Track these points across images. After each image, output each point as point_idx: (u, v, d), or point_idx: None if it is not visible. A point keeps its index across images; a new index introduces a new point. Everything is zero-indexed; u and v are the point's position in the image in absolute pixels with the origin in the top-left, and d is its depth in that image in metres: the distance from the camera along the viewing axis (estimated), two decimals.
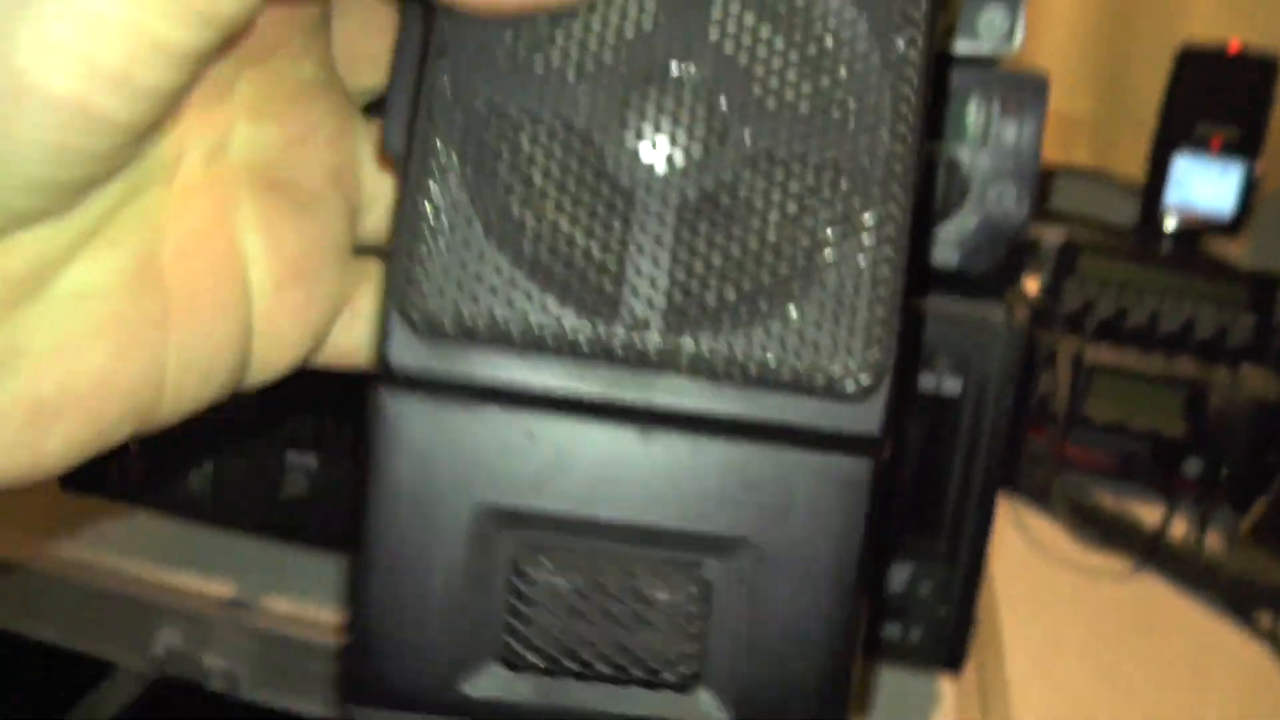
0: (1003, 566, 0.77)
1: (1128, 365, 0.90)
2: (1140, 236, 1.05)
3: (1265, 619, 0.73)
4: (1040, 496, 0.87)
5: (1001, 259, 0.53)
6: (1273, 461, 0.85)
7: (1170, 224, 1.04)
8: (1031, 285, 0.90)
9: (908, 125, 0.25)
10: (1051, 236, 0.93)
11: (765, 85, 0.25)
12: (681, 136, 0.25)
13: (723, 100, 0.25)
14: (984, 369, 0.51)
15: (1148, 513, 0.85)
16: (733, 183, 0.25)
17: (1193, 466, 0.95)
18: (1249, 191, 1.03)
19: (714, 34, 0.25)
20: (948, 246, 0.53)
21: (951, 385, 0.51)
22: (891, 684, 0.60)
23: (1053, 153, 1.32)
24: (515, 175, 0.25)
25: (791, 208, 0.25)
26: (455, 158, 0.25)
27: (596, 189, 0.25)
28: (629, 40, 0.25)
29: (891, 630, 0.53)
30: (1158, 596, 0.77)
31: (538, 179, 0.25)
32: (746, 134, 0.25)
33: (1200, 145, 1.03)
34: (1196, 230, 1.03)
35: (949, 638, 0.53)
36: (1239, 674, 0.68)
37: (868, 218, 0.25)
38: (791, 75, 0.25)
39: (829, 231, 0.25)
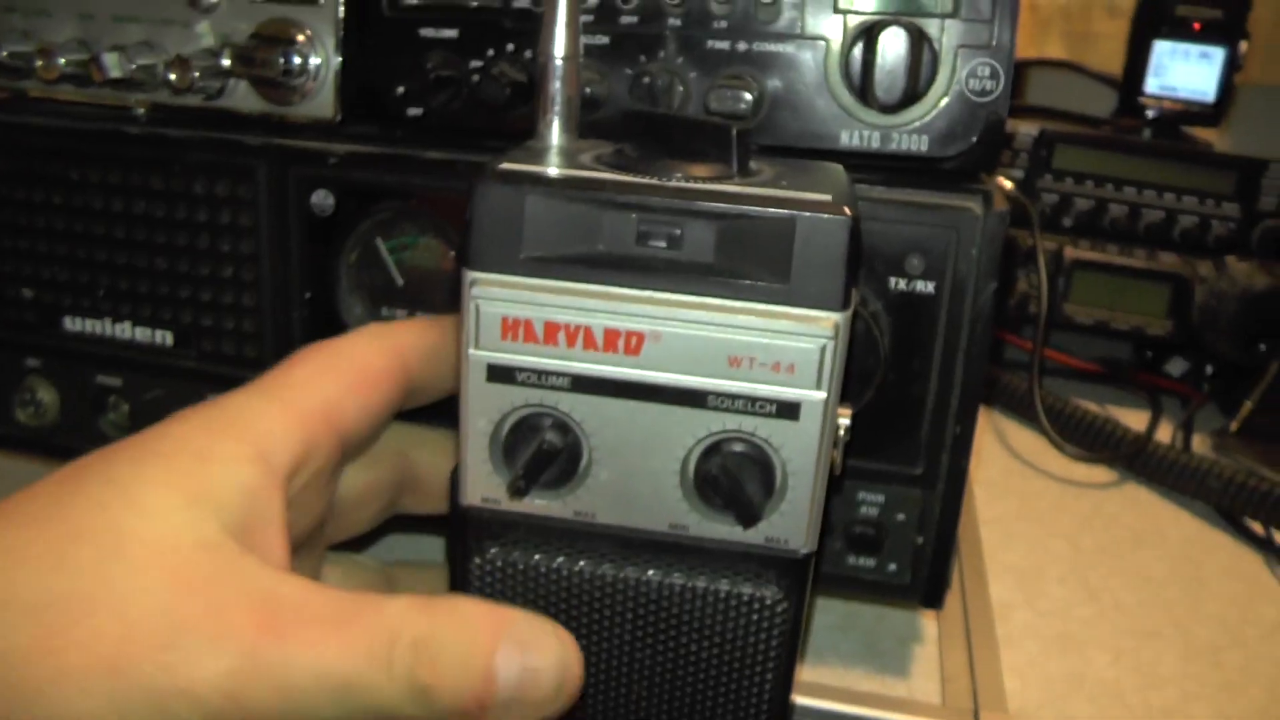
0: (983, 484, 0.73)
1: (1109, 261, 0.86)
2: (1119, 127, 0.99)
3: (1258, 524, 0.70)
4: (1020, 405, 0.83)
5: (977, 143, 0.47)
6: (1261, 356, 0.81)
7: (1150, 112, 0.98)
8: (1006, 181, 0.84)
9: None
10: (1026, 129, 0.87)
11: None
12: None
13: None
14: (961, 264, 0.45)
15: (1132, 417, 0.81)
16: None
17: (1178, 366, 0.91)
18: (1231, 76, 0.97)
19: None
20: (917, 131, 0.47)
21: (925, 284, 0.45)
22: (867, 618, 0.56)
23: (1026, 47, 1.25)
24: None
25: None
26: None
27: None
28: None
29: (864, 563, 0.48)
30: (1145, 506, 0.73)
31: None
32: None
33: (1180, 29, 0.98)
34: (1177, 117, 0.98)
35: (928, 570, 0.48)
36: (1232, 584, 0.64)
37: None
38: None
39: None
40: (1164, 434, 0.80)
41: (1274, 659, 0.57)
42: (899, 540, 0.49)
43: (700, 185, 0.33)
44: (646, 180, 0.33)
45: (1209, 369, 0.89)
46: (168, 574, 0.29)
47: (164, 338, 0.56)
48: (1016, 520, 0.69)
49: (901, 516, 0.48)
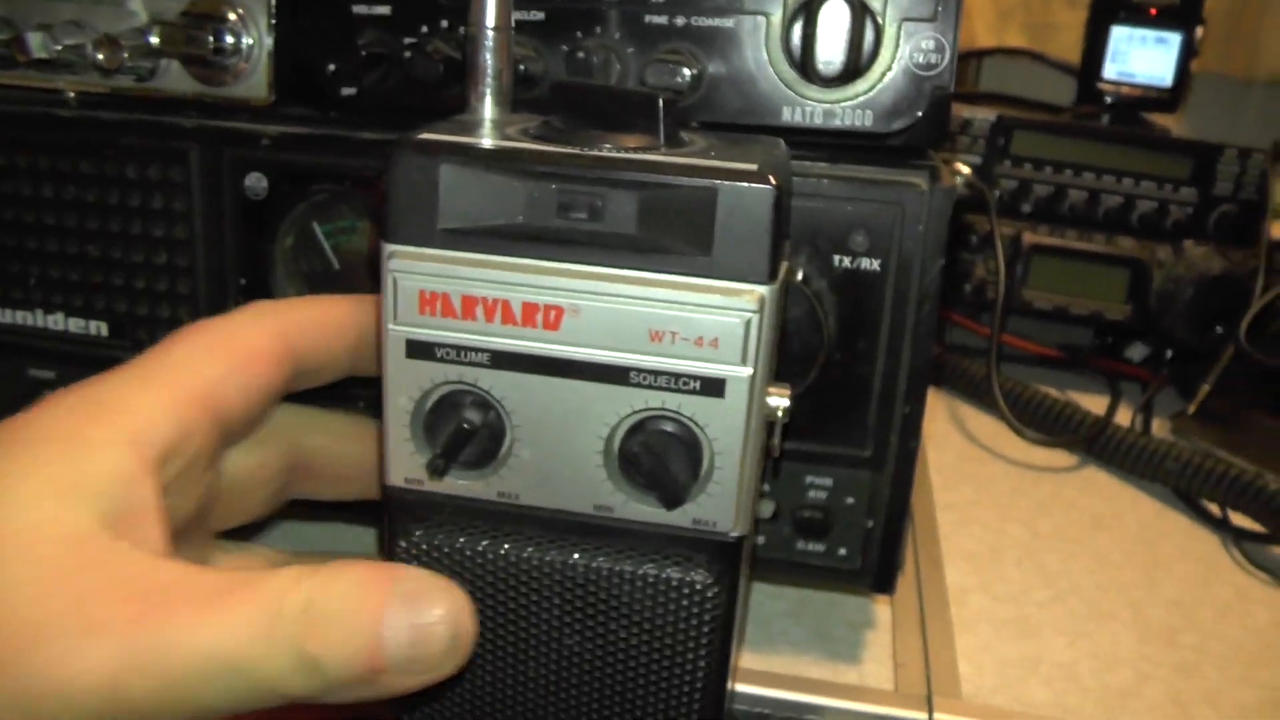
0: (940, 469, 0.72)
1: (1067, 247, 0.85)
2: (1077, 112, 0.99)
3: (1214, 506, 0.69)
4: (978, 391, 0.82)
5: (922, 118, 0.46)
6: (1217, 339, 0.81)
7: (1109, 98, 0.98)
8: (964, 167, 0.84)
9: None
10: (984, 115, 0.87)
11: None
12: None
13: None
14: (907, 241, 0.45)
15: (1091, 402, 0.81)
16: None
17: (1138, 350, 0.91)
18: (1188, 62, 0.98)
19: None
20: (861, 106, 0.46)
21: (871, 261, 0.45)
22: (820, 604, 0.55)
23: (986, 36, 1.25)
24: None
25: None
26: None
27: None
28: None
29: (813, 548, 0.48)
30: (1103, 490, 0.72)
31: None
32: None
33: (1138, 15, 0.98)
34: (1135, 103, 0.98)
35: (878, 555, 0.47)
36: (1189, 565, 0.64)
37: None
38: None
39: None
40: (1123, 418, 0.80)
41: (1228, 639, 0.57)
42: (848, 524, 0.48)
43: (621, 155, 0.32)
44: (566, 150, 0.32)
45: (1168, 353, 0.89)
46: (35, 567, 0.28)
47: (98, 328, 0.54)
48: (974, 505, 0.68)
49: (850, 500, 0.48)
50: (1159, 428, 0.80)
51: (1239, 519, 0.68)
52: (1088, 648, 0.55)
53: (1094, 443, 0.75)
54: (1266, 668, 0.54)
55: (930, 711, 0.48)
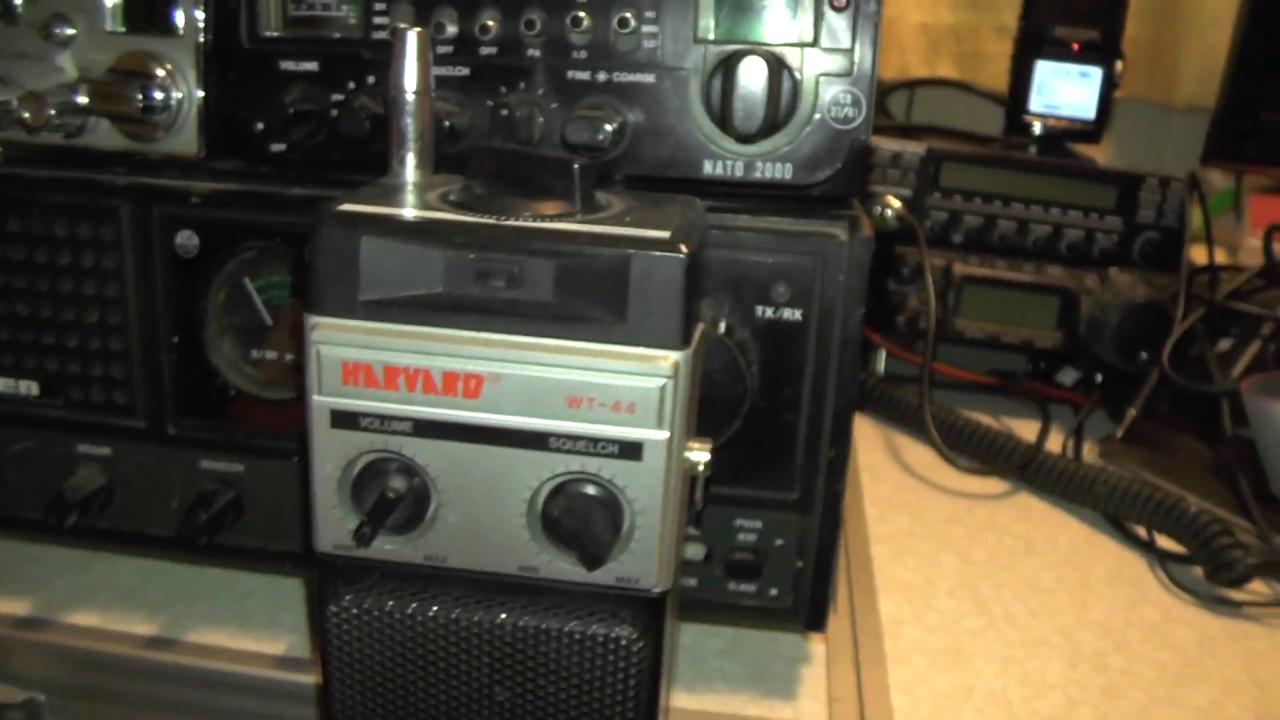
0: (875, 501, 0.74)
1: (998, 276, 0.87)
2: (1005, 144, 1.02)
3: (1141, 529, 0.71)
4: (913, 420, 0.84)
5: (842, 169, 0.48)
6: (1143, 364, 0.83)
7: (1036, 129, 1.01)
8: (894, 200, 0.85)
9: None
10: (913, 149, 0.89)
11: None
12: None
13: None
14: (828, 290, 0.46)
15: (1024, 426, 0.83)
16: None
17: (1070, 375, 0.94)
18: (1109, 94, 1.01)
19: None
20: (780, 159, 0.48)
21: (793, 311, 0.46)
22: (756, 641, 0.56)
23: (917, 67, 1.28)
24: None
25: None
26: None
27: None
28: None
29: (745, 589, 0.49)
30: (1036, 516, 0.74)
31: None
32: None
33: (1060, 50, 1.01)
34: (1061, 134, 1.01)
35: (810, 593, 0.48)
36: (1117, 588, 0.66)
37: None
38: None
39: None
40: (1055, 441, 0.82)
41: (1153, 660, 0.58)
42: (779, 565, 0.49)
43: (538, 224, 0.33)
44: (484, 220, 0.33)
45: (1098, 377, 0.91)
46: None
47: (29, 388, 0.54)
48: (908, 536, 0.69)
49: (780, 541, 0.49)
50: (1089, 451, 0.82)
51: (1164, 541, 0.70)
52: (1018, 674, 0.56)
53: (1026, 469, 0.77)
54: (1188, 686, 0.56)
55: None
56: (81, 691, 0.54)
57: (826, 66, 0.47)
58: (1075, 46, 0.99)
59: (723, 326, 0.45)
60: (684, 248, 0.32)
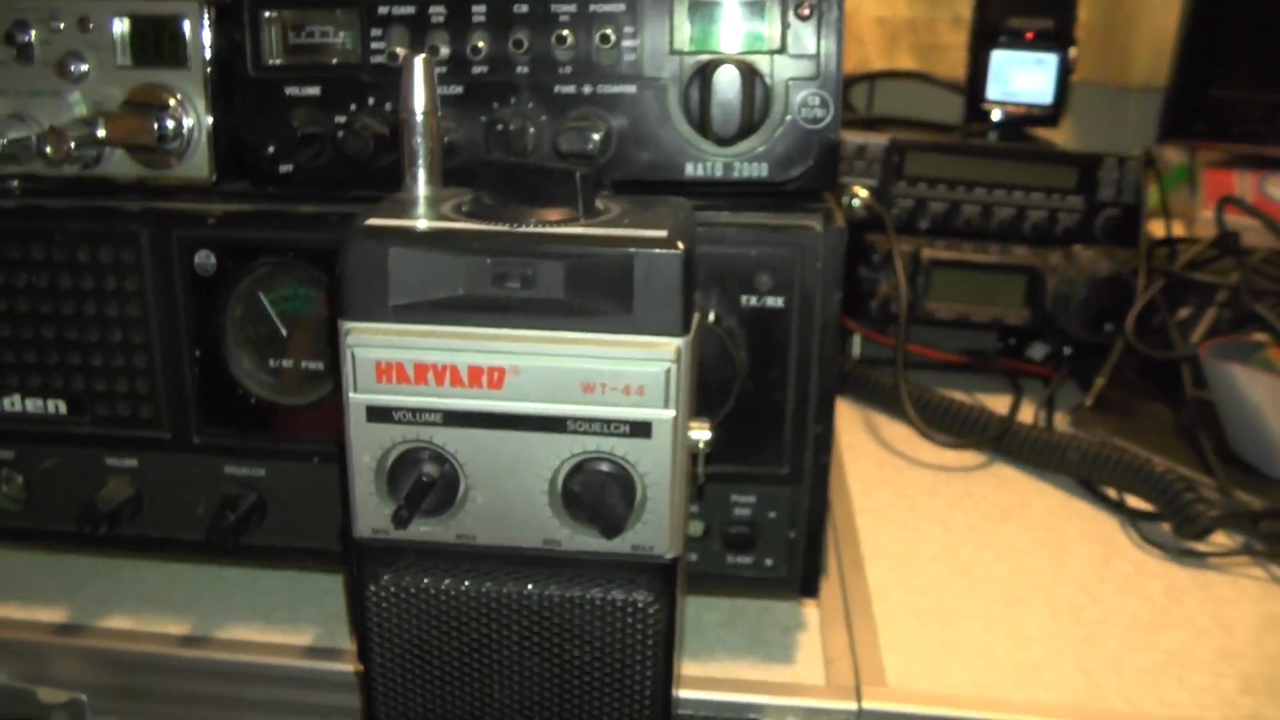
0: (857, 477, 0.77)
1: (965, 259, 0.91)
2: (966, 132, 1.06)
3: (1112, 491, 0.75)
4: (890, 400, 0.88)
5: (814, 166, 0.52)
6: (1109, 335, 0.88)
7: (996, 116, 1.05)
8: (862, 190, 0.89)
9: None
10: (877, 140, 0.93)
11: None
12: None
13: None
14: (807, 278, 0.50)
15: (998, 401, 0.87)
16: None
17: (1040, 350, 0.98)
18: (1065, 79, 1.05)
19: None
20: (756, 159, 0.51)
21: (775, 299, 0.49)
22: (753, 611, 0.60)
23: (876, 60, 1.32)
24: None
25: None
26: None
27: None
28: None
29: (742, 561, 0.52)
30: (1011, 484, 0.78)
31: None
32: None
33: (1015, 39, 1.05)
34: (1020, 120, 1.05)
35: (803, 562, 0.52)
36: (1091, 546, 0.69)
37: None
38: None
39: None
40: (1027, 414, 0.86)
41: (1127, 611, 0.62)
42: (773, 536, 0.53)
43: (548, 230, 0.36)
44: (499, 228, 0.36)
45: (1067, 350, 0.95)
46: None
47: (56, 407, 0.57)
48: (891, 508, 0.73)
49: (773, 514, 0.52)
50: (1061, 420, 0.86)
51: (1134, 501, 0.74)
52: (1002, 630, 0.60)
53: (1000, 441, 0.81)
54: (1160, 633, 0.60)
55: (859, 700, 0.53)
56: (121, 691, 0.57)
57: (795, 71, 0.51)
58: (1029, 35, 1.03)
59: (711, 316, 0.48)
60: (681, 244, 0.35)
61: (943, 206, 0.93)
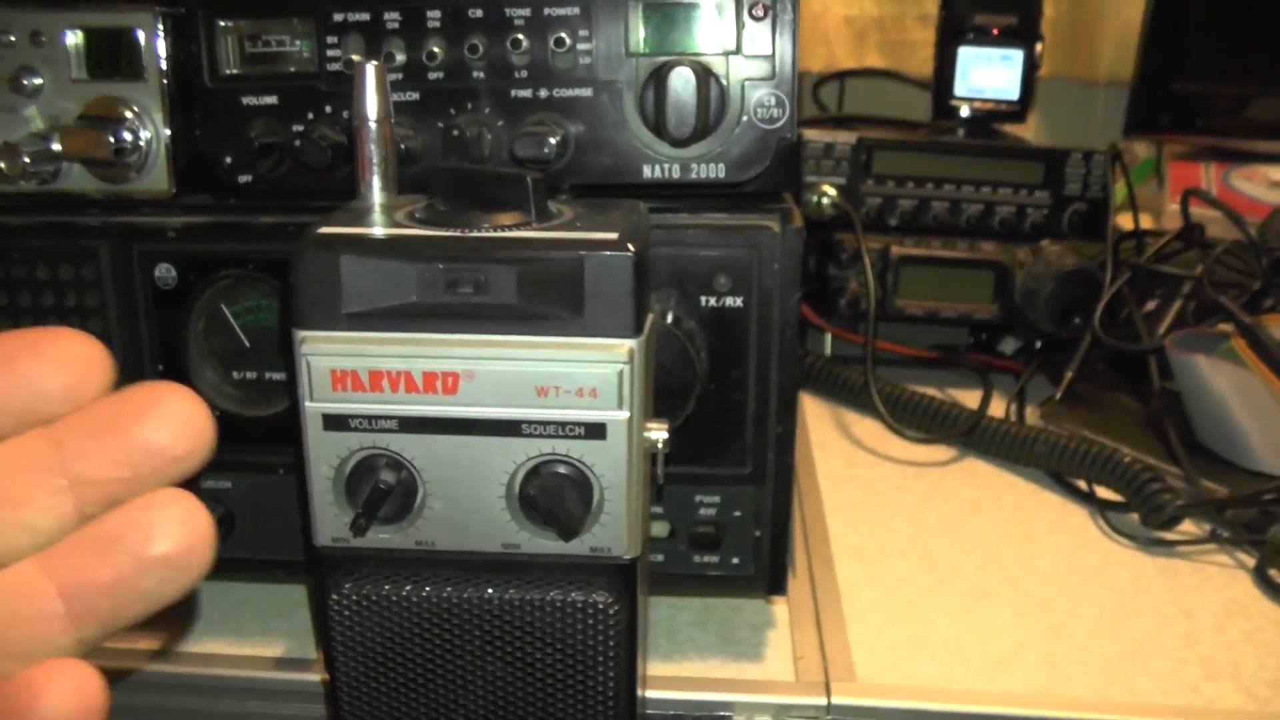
0: (827, 475, 0.78)
1: (933, 255, 0.92)
2: (934, 129, 1.07)
3: (1082, 482, 0.76)
4: (859, 396, 0.88)
5: (771, 166, 0.52)
6: (1077, 328, 0.88)
7: (963, 113, 1.06)
8: (830, 189, 0.90)
9: None
10: (845, 139, 0.93)
11: None
12: None
13: None
14: (766, 278, 0.50)
15: (968, 396, 0.87)
16: None
17: (1010, 344, 0.98)
18: (1032, 75, 1.05)
19: None
20: (713, 160, 0.51)
21: (734, 299, 0.50)
22: (723, 610, 0.60)
23: (845, 58, 1.33)
24: None
25: None
26: None
27: None
28: None
29: (709, 560, 0.53)
30: (981, 477, 0.79)
31: None
32: None
33: (981, 36, 1.05)
34: (988, 116, 1.06)
35: (769, 560, 0.52)
36: (1060, 538, 0.70)
37: None
38: None
39: None
40: (998, 408, 0.86)
41: (1095, 601, 0.63)
42: (738, 535, 0.53)
43: (498, 234, 0.37)
44: (450, 234, 0.36)
45: (1038, 344, 0.96)
46: None
47: None
48: (861, 505, 0.74)
49: (738, 513, 0.53)
50: (1031, 414, 0.87)
51: (1103, 492, 0.75)
52: (969, 623, 0.61)
53: (971, 435, 0.81)
54: (1126, 622, 0.61)
55: (829, 695, 0.53)
56: None
57: (750, 72, 0.51)
58: (995, 31, 1.04)
59: (670, 317, 0.49)
60: (631, 246, 0.35)
61: (911, 204, 0.94)
